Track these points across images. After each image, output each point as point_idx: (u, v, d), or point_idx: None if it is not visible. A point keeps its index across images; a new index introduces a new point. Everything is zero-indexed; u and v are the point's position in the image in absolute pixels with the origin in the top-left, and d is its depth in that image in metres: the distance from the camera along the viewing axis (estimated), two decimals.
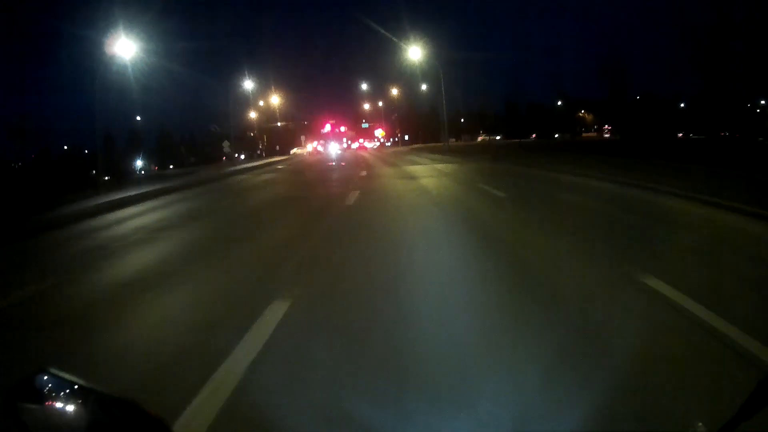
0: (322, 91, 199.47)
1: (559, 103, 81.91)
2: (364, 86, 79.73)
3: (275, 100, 73.19)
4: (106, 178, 28.18)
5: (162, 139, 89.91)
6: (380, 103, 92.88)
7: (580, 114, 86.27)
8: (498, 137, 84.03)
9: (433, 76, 55.71)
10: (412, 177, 18.43)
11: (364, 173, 21.91)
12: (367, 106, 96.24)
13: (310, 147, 65.08)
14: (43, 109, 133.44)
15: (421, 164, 26.06)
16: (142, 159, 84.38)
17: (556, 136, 79.29)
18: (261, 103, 75.03)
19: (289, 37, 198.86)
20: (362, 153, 54.12)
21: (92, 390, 0.84)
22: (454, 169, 21.76)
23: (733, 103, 41.84)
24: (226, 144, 49.09)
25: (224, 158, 55.05)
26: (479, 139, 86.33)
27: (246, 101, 60.21)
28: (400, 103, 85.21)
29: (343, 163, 32.43)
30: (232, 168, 37.42)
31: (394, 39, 42.68)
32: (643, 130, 49.01)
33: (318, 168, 29.72)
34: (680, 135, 55.57)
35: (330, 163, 33.92)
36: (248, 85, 57.12)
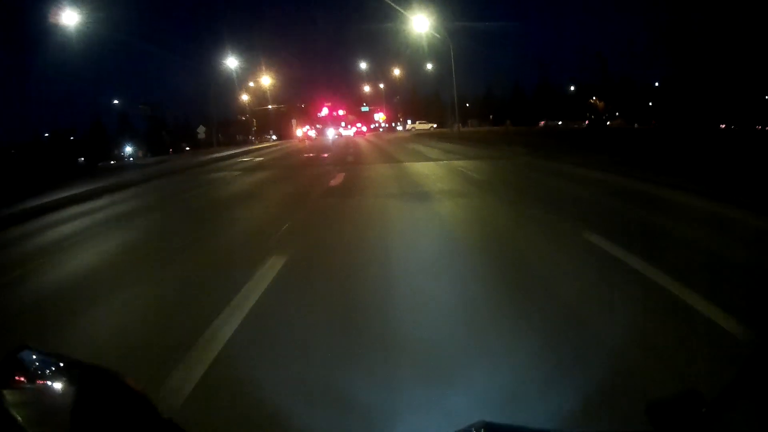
0: (321, 72, 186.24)
1: (572, 88, 77.46)
2: (364, 65, 73.48)
3: (266, 80, 67.03)
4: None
5: (152, 124, 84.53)
6: (381, 85, 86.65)
7: (592, 101, 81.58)
8: (507, 122, 77.93)
9: (442, 52, 49.61)
10: (421, 196, 10.27)
11: (336, 181, 14.26)
12: (367, 89, 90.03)
13: (300, 132, 58.68)
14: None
15: (432, 159, 19.01)
16: (132, 145, 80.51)
17: (560, 123, 72.17)
18: (252, 84, 68.98)
19: (284, 13, 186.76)
20: (358, 140, 47.76)
21: (74, 364, 0.85)
22: (492, 174, 14.21)
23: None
24: (201, 130, 43.32)
25: (213, 144, 49.23)
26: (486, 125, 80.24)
27: (235, 82, 54.05)
28: (403, 85, 78.94)
29: (325, 155, 25.77)
30: (199, 159, 31.57)
31: (399, 8, 36.68)
32: (677, 119, 43.40)
33: (284, 164, 23.12)
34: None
35: (308, 155, 27.63)
36: (232, 63, 51.11)
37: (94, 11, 24.37)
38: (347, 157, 22.77)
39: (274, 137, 67.97)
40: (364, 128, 69.67)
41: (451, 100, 60.83)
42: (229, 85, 63.86)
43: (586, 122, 72.57)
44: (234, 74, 50.91)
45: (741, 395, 0.90)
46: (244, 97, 71.78)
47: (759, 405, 0.85)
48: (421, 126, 75.27)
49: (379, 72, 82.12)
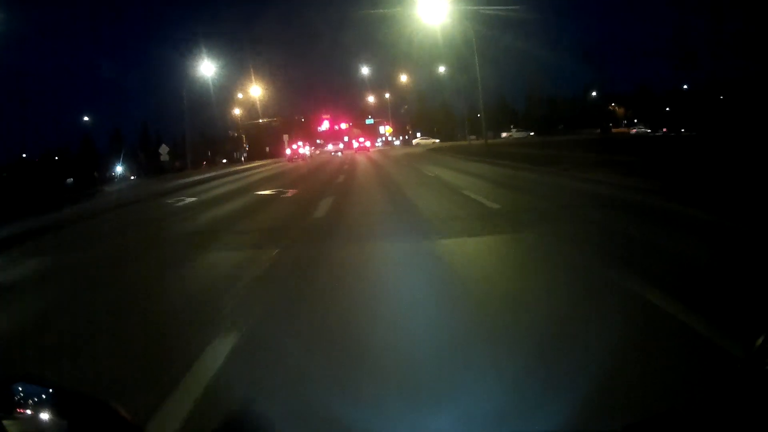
0: (321, 81, 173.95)
1: (594, 94, 72.61)
2: (368, 72, 65.19)
3: (256, 91, 58.88)
4: None
5: (143, 141, 77.70)
6: (387, 95, 78.36)
7: (611, 107, 78.43)
8: (531, 133, 69.56)
9: (459, 51, 41.25)
10: None
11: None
12: (372, 99, 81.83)
13: (289, 151, 49.96)
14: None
15: (480, 198, 10.22)
16: (123, 164, 75.38)
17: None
18: (241, 96, 60.88)
19: (279, 15, 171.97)
20: (359, 159, 38.97)
21: (69, 395, 0.88)
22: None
23: None
24: (163, 150, 35.06)
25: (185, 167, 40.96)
26: (504, 135, 71.62)
27: (211, 93, 45.82)
28: (411, 93, 70.50)
29: (289, 193, 15.99)
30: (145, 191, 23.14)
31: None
32: (709, 124, 38.97)
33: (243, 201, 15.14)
34: None
35: (261, 193, 19.19)
36: (208, 70, 42.93)
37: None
38: (324, 199, 13.16)
39: (244, 157, 57.87)
40: (368, 143, 60.80)
41: (469, 106, 52.43)
42: (214, 98, 55.89)
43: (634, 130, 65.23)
44: (210, 83, 42.63)
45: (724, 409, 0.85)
46: (237, 111, 63.80)
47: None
48: (424, 141, 66.96)
49: (384, 80, 73.81)
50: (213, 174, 32.27)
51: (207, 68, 42.69)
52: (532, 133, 69.38)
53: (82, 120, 70.61)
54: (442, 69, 54.09)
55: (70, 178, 52.37)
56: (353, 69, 68.68)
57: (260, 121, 58.90)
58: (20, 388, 0.84)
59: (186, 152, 41.37)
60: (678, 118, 55.54)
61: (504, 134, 72.04)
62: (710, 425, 0.87)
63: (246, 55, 70.84)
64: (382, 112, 79.66)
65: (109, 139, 78.56)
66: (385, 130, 67.36)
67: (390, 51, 66.94)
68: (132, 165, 65.32)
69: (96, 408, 0.87)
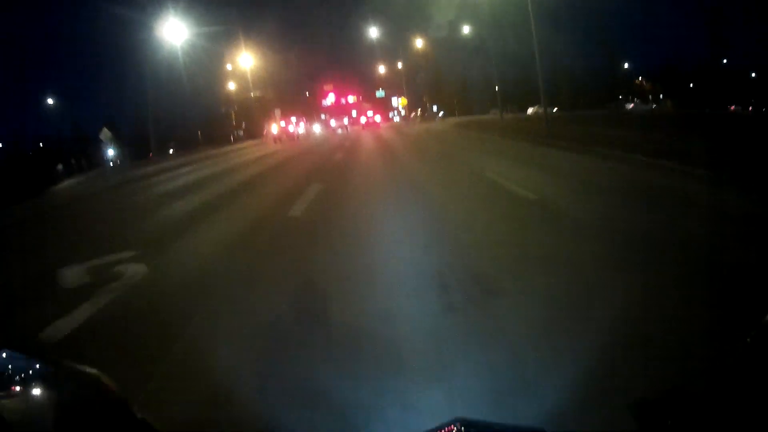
0: (325, 49, 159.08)
1: (626, 65, 68.70)
2: (377, 35, 56.27)
3: (247, 60, 50.57)
4: None
5: (137, 124, 71.24)
6: (399, 65, 69.50)
7: (637, 81, 72.90)
8: (554, 109, 60.93)
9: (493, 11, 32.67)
10: None
11: None
12: (383, 70, 73.07)
13: (275, 128, 41.02)
14: None
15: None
16: (115, 148, 70.47)
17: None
18: (230, 67, 52.62)
19: None
20: (366, 137, 30.68)
21: (52, 366, 0.90)
22: None
23: None
24: (104, 135, 27.48)
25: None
26: (530, 111, 62.78)
27: (180, 63, 37.64)
28: (428, 61, 61.49)
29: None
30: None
31: None
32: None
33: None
34: None
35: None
36: (177, 34, 34.72)
37: None
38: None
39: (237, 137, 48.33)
40: (378, 117, 51.22)
41: (484, 77, 43.88)
42: (199, 69, 47.91)
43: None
44: (180, 51, 34.43)
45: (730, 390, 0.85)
46: (231, 85, 55.71)
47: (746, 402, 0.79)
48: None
49: (398, 48, 64.69)
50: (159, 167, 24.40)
51: (177, 32, 34.47)
52: (555, 109, 61.32)
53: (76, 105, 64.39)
54: (466, 30, 45.15)
55: (59, 164, 50.88)
56: (362, 34, 59.92)
57: (251, 95, 50.74)
58: (4, 358, 0.84)
59: (149, 136, 33.57)
60: (716, 95, 48.87)
61: (530, 110, 63.25)
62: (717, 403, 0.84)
63: (237, 19, 62.10)
64: (395, 84, 70.86)
65: (104, 123, 73.33)
66: (399, 102, 56.04)
67: (405, 11, 57.71)
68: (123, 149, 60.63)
69: (78, 379, 0.86)
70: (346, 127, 49.97)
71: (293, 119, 45.44)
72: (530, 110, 64.01)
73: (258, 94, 52.09)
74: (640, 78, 72.91)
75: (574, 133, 17.61)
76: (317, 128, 57.23)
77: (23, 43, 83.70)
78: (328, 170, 14.07)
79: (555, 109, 62.54)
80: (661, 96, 66.03)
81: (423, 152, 18.05)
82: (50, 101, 49.03)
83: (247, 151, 29.53)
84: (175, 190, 14.01)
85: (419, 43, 56.34)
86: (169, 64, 39.09)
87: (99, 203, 14.50)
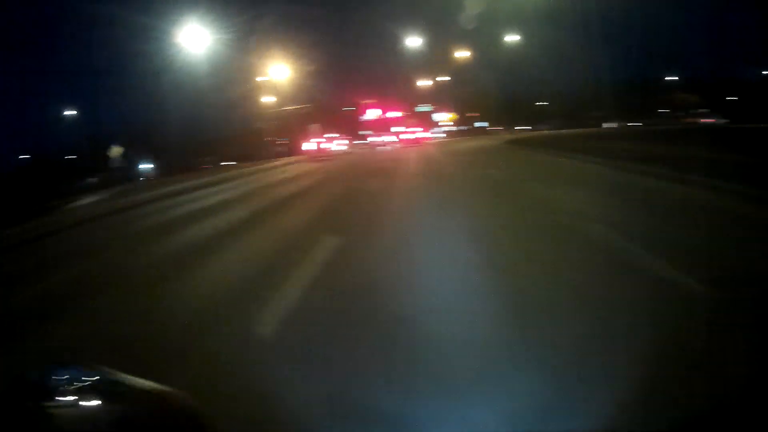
0: (367, 64, 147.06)
1: (677, 78, 64.37)
2: (421, 46, 52.26)
3: (283, 72, 47.52)
4: None
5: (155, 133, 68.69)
6: (439, 78, 65.47)
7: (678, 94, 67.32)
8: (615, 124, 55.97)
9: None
10: None
11: None
12: (426, 83, 69.26)
13: (309, 145, 36.71)
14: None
15: None
16: (147, 161, 67.79)
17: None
18: (263, 78, 49.69)
19: None
20: (409, 155, 26.60)
21: (115, 382, 0.79)
22: None
23: None
24: (115, 151, 24.65)
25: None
26: (606, 125, 56.81)
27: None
28: (473, 71, 57.08)
29: None
30: None
31: None
32: None
33: None
34: None
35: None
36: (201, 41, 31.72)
37: None
38: None
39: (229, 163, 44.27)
40: (421, 133, 45.87)
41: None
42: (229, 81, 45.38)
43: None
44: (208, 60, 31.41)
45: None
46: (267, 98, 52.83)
47: None
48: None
49: (443, 59, 60.50)
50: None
51: (204, 40, 31.51)
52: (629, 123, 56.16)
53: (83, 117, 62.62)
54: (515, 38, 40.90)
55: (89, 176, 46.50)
56: (403, 46, 56.23)
57: (288, 108, 47.49)
58: (66, 373, 0.77)
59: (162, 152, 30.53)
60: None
61: (606, 125, 57.58)
62: None
63: (275, 30, 58.91)
64: (438, 99, 66.87)
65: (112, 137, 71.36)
66: (443, 117, 50.28)
67: (452, 20, 53.36)
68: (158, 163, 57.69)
69: (147, 394, 0.78)
70: (386, 144, 46.16)
71: (331, 134, 41.65)
72: (605, 125, 58.66)
73: (295, 107, 48.78)
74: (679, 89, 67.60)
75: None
76: (355, 145, 53.54)
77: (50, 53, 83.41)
78: (359, 205, 10.14)
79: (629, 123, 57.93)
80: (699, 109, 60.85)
81: (484, 188, 13.20)
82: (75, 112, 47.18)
83: (273, 172, 25.89)
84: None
85: (463, 54, 51.99)
86: (198, 77, 36.38)
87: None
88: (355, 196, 12.19)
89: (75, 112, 46.98)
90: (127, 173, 42.45)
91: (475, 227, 7.31)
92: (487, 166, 17.14)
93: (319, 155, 33.96)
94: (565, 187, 11.00)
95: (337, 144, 40.76)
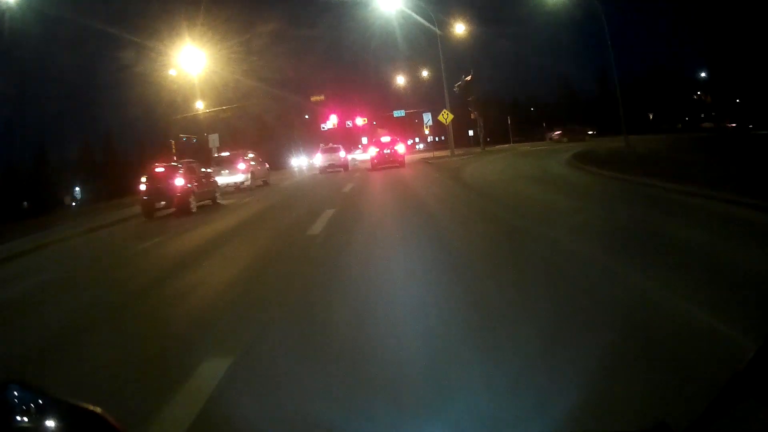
0: (328, 61, 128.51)
1: (703, 74, 61.40)
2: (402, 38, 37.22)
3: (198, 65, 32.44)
4: None
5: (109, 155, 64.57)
6: (425, 72, 51.09)
7: (696, 96, 65.71)
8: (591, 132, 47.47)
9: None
10: None
11: None
12: (402, 81, 54.94)
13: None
14: None
15: None
16: (79, 185, 61.85)
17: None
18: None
19: None
20: (378, 182, 12.03)
21: (59, 402, 0.83)
22: None
23: None
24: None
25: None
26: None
27: None
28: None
29: None
30: None
31: None
32: None
33: None
34: None
35: None
36: None
37: None
38: None
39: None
40: (400, 147, 29.29)
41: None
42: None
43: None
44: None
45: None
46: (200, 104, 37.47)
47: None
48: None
49: (430, 53, 45.51)
50: None
51: None
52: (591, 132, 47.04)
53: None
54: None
55: (24, 201, 49.66)
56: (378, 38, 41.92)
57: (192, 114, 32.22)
58: (15, 393, 0.80)
59: None
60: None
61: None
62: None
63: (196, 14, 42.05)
64: (421, 101, 52.16)
65: (77, 151, 66.00)
66: (447, 117, 32.93)
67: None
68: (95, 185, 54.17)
69: (85, 416, 0.82)
70: (341, 165, 31.30)
71: (250, 155, 24.21)
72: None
73: (201, 111, 33.30)
74: (698, 92, 65.63)
75: None
76: (305, 165, 38.47)
77: None
78: None
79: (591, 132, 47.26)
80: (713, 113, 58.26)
81: None
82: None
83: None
84: None
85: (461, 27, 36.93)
86: None
87: None
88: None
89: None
90: None
91: None
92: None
93: (232, 189, 18.44)
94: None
95: (249, 172, 24.84)
